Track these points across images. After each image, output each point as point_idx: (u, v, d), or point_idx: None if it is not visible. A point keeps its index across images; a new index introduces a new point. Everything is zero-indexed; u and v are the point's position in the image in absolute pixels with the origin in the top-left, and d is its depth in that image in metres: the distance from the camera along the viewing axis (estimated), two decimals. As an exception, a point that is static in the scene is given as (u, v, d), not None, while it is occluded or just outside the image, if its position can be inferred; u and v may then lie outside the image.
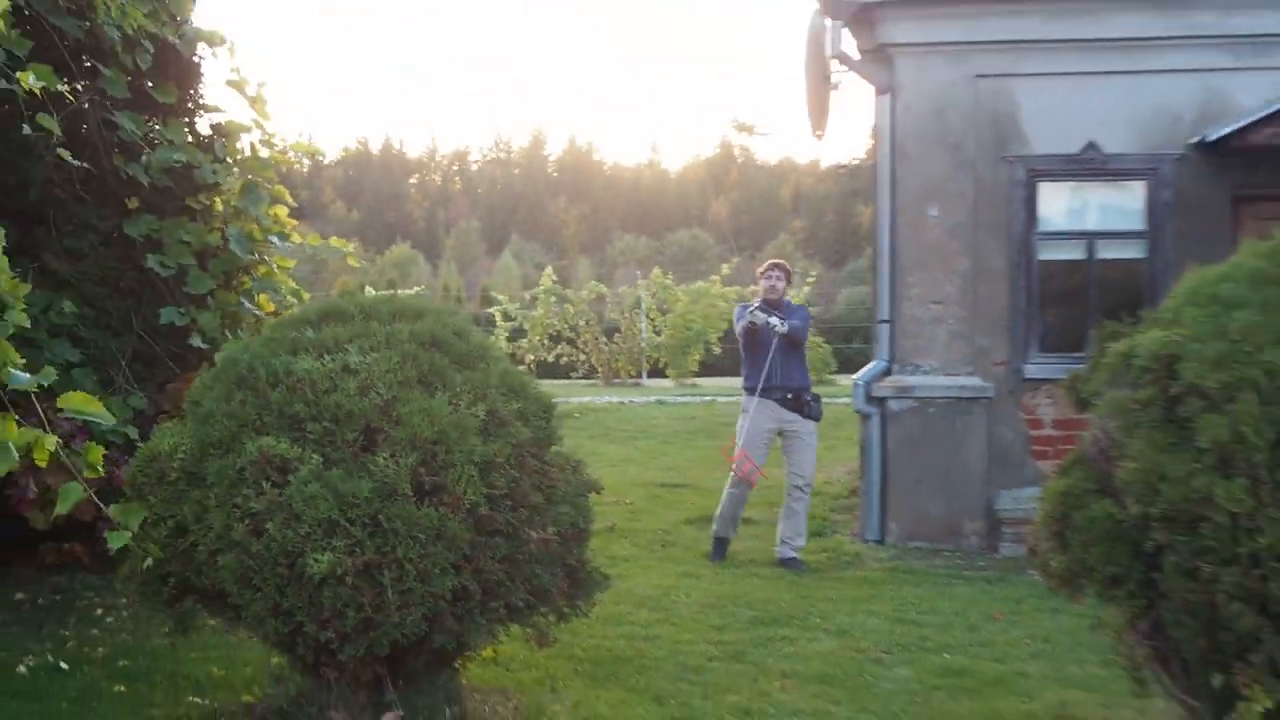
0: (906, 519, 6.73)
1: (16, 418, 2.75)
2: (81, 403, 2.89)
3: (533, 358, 19.04)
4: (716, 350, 19.48)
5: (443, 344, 3.48)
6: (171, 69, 5.41)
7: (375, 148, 64.51)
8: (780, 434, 6.38)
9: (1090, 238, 6.84)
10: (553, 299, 19.72)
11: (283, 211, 5.85)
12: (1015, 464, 6.72)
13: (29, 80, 3.61)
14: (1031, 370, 6.76)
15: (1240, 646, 2.74)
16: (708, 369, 19.97)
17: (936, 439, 6.71)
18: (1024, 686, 4.08)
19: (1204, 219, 6.62)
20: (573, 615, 3.63)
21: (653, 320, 19.82)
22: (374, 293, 4.92)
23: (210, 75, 7.17)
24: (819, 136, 7.92)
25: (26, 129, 4.44)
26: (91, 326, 5.14)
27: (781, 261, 6.83)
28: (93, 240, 5.28)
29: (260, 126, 5.68)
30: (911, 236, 6.86)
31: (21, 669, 4.04)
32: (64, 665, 4.09)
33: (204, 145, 5.61)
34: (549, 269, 20.95)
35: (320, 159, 6.35)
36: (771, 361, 6.25)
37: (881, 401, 6.81)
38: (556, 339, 19.72)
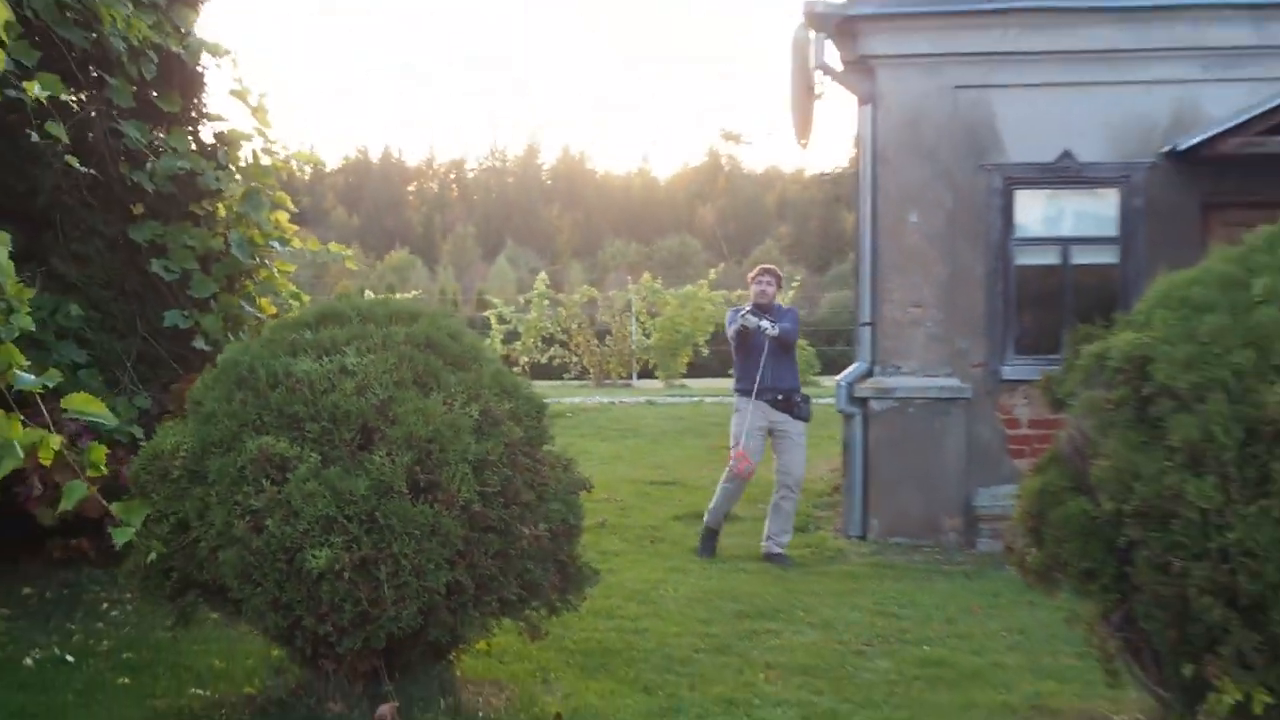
0: (888, 515, 6.85)
1: (22, 418, 2.78)
2: (84, 403, 2.90)
3: (526, 359, 19.11)
4: (704, 352, 19.67)
5: (437, 346, 3.54)
6: (176, 79, 5.46)
7: (375, 156, 65.15)
8: (770, 433, 6.48)
9: (1065, 243, 6.96)
10: (546, 302, 19.84)
11: (284, 217, 5.92)
12: (993, 462, 6.84)
13: (36, 89, 3.64)
14: (1008, 371, 6.89)
15: (1210, 639, 2.80)
16: (696, 370, 20.12)
17: (916, 438, 6.83)
18: (1001, 677, 4.12)
19: (1175, 225, 6.74)
20: (564, 609, 3.69)
21: (642, 323, 19.97)
22: (373, 296, 4.99)
23: (213, 85, 7.21)
24: (803, 145, 8.05)
25: (35, 137, 4.49)
26: (98, 329, 5.17)
27: (772, 267, 6.95)
28: (99, 245, 5.32)
29: (262, 135, 5.75)
30: (892, 242, 6.98)
31: (28, 661, 4.06)
32: (70, 658, 4.12)
33: (207, 153, 5.66)
34: (542, 273, 21.18)
35: (322, 168, 6.45)
36: (763, 364, 6.37)
37: (863, 402, 6.93)
38: (549, 341, 19.84)
